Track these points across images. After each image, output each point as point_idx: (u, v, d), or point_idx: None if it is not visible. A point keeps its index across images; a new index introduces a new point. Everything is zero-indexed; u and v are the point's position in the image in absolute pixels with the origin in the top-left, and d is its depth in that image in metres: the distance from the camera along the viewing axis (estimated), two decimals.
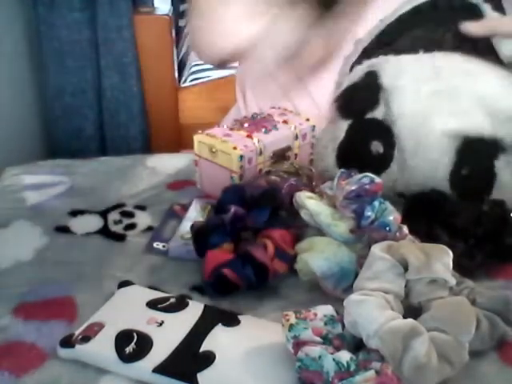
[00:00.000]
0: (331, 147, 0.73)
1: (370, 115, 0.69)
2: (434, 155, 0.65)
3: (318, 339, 0.45)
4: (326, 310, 0.47)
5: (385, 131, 0.67)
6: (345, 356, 0.44)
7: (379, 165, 0.68)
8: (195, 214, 0.69)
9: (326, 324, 0.46)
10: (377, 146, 0.68)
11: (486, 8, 0.69)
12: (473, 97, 0.65)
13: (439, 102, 0.65)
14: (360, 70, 0.72)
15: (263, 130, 0.75)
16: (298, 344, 0.44)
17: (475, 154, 0.65)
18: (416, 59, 0.69)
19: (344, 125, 0.72)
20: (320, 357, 0.43)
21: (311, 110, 0.84)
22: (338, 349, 0.45)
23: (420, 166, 0.66)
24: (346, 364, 0.43)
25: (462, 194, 0.65)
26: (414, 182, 0.67)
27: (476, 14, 0.69)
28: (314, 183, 0.65)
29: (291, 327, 0.45)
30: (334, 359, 0.43)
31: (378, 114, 0.69)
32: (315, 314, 0.46)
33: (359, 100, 0.70)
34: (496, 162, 0.65)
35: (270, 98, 0.93)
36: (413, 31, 0.73)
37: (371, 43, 0.76)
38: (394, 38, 0.74)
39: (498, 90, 0.66)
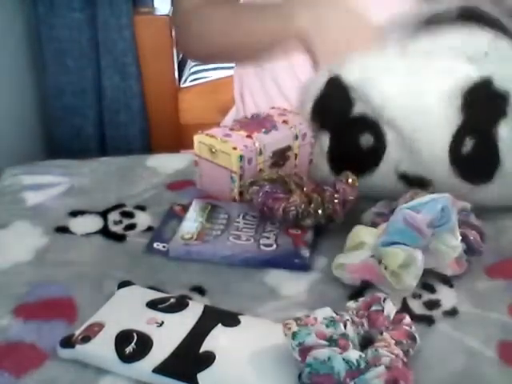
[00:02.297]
0: (322, 156, 0.73)
1: (349, 116, 0.69)
2: (433, 128, 0.65)
3: (324, 342, 0.45)
4: (324, 312, 0.47)
5: (370, 123, 0.67)
6: (354, 354, 0.44)
7: (374, 155, 0.68)
8: (195, 214, 0.69)
9: (327, 326, 0.46)
10: (366, 139, 0.68)
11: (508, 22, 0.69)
12: (446, 52, 0.65)
13: (418, 73, 0.65)
14: (319, 81, 0.71)
15: (263, 130, 0.75)
16: (304, 350, 0.44)
17: (477, 107, 0.64)
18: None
19: (326, 133, 0.72)
20: (329, 358, 0.43)
21: None
22: (344, 348, 0.45)
23: (422, 142, 0.65)
24: (355, 362, 0.43)
25: (463, 171, 0.65)
26: (419, 159, 0.66)
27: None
28: (304, 189, 0.65)
29: (295, 335, 0.45)
30: (343, 359, 0.43)
31: (356, 111, 0.68)
32: (315, 319, 0.46)
33: (333, 108, 0.70)
34: (499, 129, 0.65)
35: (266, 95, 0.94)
36: None
37: None
38: None
39: (464, 35, 0.66)
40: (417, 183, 0.68)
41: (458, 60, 0.65)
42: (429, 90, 0.65)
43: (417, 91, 0.65)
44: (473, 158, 0.65)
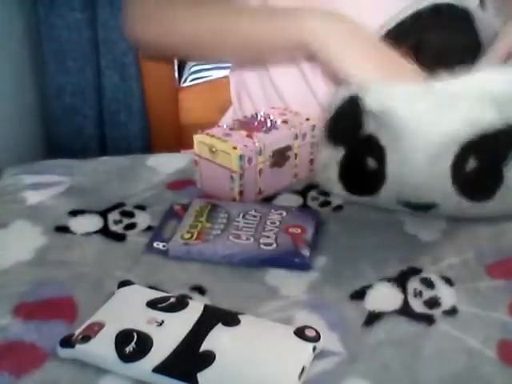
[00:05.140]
0: (332, 163, 0.72)
1: (359, 136, 0.68)
2: (440, 162, 0.64)
3: None
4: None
5: (374, 146, 0.67)
6: None
7: (376, 180, 0.68)
8: (195, 213, 0.69)
9: None
10: (371, 162, 0.67)
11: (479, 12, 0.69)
12: (472, 93, 0.64)
13: (437, 113, 0.64)
14: (342, 94, 0.71)
15: (263, 129, 0.75)
16: None
17: (487, 149, 0.64)
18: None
19: (339, 148, 0.71)
20: None
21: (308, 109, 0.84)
22: None
23: (423, 180, 0.65)
24: None
25: (465, 190, 0.65)
26: (417, 194, 0.66)
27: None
28: None
29: None
30: None
31: (368, 130, 0.68)
32: None
33: (345, 129, 0.70)
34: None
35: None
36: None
37: None
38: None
39: (492, 75, 0.65)
40: (419, 208, 0.67)
41: (482, 104, 0.63)
42: (447, 133, 0.64)
43: (434, 132, 0.64)
44: (475, 177, 0.65)
